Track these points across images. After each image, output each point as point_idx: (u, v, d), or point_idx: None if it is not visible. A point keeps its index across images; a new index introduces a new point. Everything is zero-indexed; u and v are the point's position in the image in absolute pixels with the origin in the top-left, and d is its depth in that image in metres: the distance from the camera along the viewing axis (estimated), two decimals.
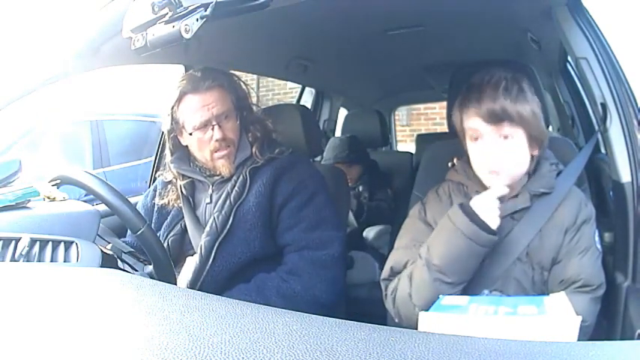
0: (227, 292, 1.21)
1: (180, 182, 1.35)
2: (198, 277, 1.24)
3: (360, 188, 2.39)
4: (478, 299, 0.95)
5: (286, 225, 1.28)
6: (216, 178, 1.33)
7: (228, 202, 1.27)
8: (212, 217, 1.27)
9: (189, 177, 1.36)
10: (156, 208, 1.40)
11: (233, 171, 1.31)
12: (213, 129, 1.27)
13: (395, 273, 1.11)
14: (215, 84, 1.28)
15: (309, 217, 1.28)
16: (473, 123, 1.04)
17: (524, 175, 1.09)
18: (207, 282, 1.24)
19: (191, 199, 1.36)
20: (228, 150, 1.30)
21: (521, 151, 1.05)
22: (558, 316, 0.85)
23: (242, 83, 1.38)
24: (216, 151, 1.29)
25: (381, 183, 2.46)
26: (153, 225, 1.36)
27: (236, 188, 1.28)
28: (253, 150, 1.33)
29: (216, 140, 1.27)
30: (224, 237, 1.25)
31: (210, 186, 1.34)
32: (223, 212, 1.26)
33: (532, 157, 1.08)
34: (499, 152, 1.03)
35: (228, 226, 1.26)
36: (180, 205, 1.35)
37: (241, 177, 1.30)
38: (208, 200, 1.33)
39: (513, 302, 0.90)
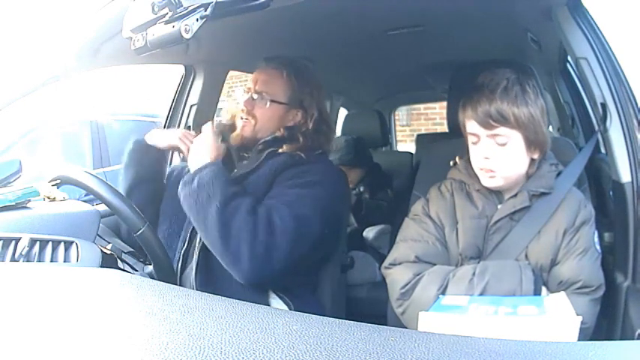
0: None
1: None
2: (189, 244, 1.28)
3: (362, 189, 2.39)
4: (478, 299, 0.95)
5: (270, 194, 1.25)
6: (244, 162, 1.36)
7: (234, 172, 1.31)
8: None
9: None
10: None
11: (239, 142, 1.35)
12: (248, 96, 1.35)
13: (398, 264, 1.12)
14: (278, 69, 1.35)
15: (289, 195, 1.22)
16: (471, 127, 1.07)
17: (522, 176, 1.09)
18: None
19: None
20: (247, 121, 1.35)
21: (518, 155, 1.06)
22: (558, 316, 0.85)
23: (317, 88, 1.40)
24: (240, 117, 1.36)
25: (382, 184, 2.46)
26: None
27: (248, 163, 1.32)
28: (285, 149, 1.31)
29: (244, 106, 1.34)
30: None
31: (236, 170, 1.36)
32: None
33: (532, 159, 1.08)
34: (494, 156, 1.05)
35: None
36: None
37: (257, 156, 1.32)
38: None
39: (513, 302, 0.90)
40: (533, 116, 1.03)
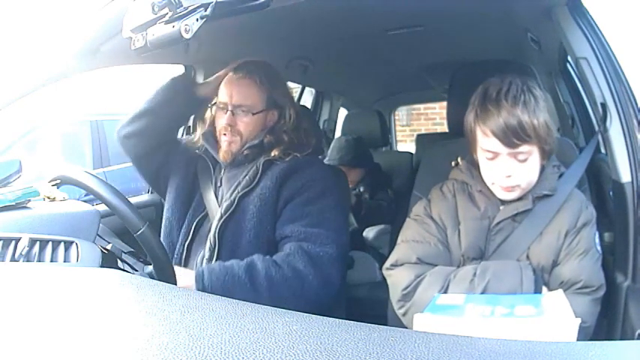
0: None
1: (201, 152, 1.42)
2: (210, 260, 1.27)
3: (361, 189, 2.39)
4: (475, 298, 0.94)
5: (288, 217, 1.28)
6: (227, 163, 1.36)
7: (236, 189, 1.30)
8: (224, 203, 1.31)
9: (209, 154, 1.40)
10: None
11: (229, 159, 1.34)
12: (226, 113, 1.33)
13: (399, 265, 1.11)
14: (251, 77, 1.34)
15: (313, 215, 1.27)
16: (489, 144, 1.04)
17: None
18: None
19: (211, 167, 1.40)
20: (233, 138, 1.33)
21: (536, 167, 1.06)
22: (556, 317, 0.85)
23: (286, 86, 1.44)
24: (223, 134, 1.34)
25: (382, 184, 2.46)
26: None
27: (247, 177, 1.31)
28: (275, 152, 1.33)
29: (227, 123, 1.32)
30: (224, 222, 1.28)
31: (223, 169, 1.37)
32: (231, 199, 1.29)
33: (542, 165, 1.08)
34: (515, 173, 1.04)
35: (229, 212, 1.28)
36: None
37: (254, 168, 1.32)
38: (219, 183, 1.36)
39: (510, 302, 0.90)
40: (547, 126, 1.03)
